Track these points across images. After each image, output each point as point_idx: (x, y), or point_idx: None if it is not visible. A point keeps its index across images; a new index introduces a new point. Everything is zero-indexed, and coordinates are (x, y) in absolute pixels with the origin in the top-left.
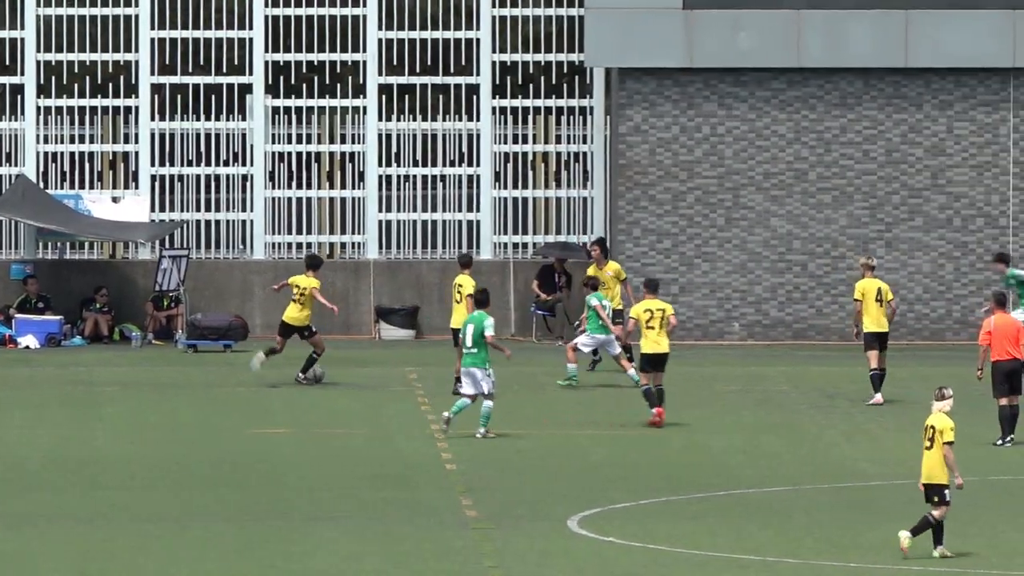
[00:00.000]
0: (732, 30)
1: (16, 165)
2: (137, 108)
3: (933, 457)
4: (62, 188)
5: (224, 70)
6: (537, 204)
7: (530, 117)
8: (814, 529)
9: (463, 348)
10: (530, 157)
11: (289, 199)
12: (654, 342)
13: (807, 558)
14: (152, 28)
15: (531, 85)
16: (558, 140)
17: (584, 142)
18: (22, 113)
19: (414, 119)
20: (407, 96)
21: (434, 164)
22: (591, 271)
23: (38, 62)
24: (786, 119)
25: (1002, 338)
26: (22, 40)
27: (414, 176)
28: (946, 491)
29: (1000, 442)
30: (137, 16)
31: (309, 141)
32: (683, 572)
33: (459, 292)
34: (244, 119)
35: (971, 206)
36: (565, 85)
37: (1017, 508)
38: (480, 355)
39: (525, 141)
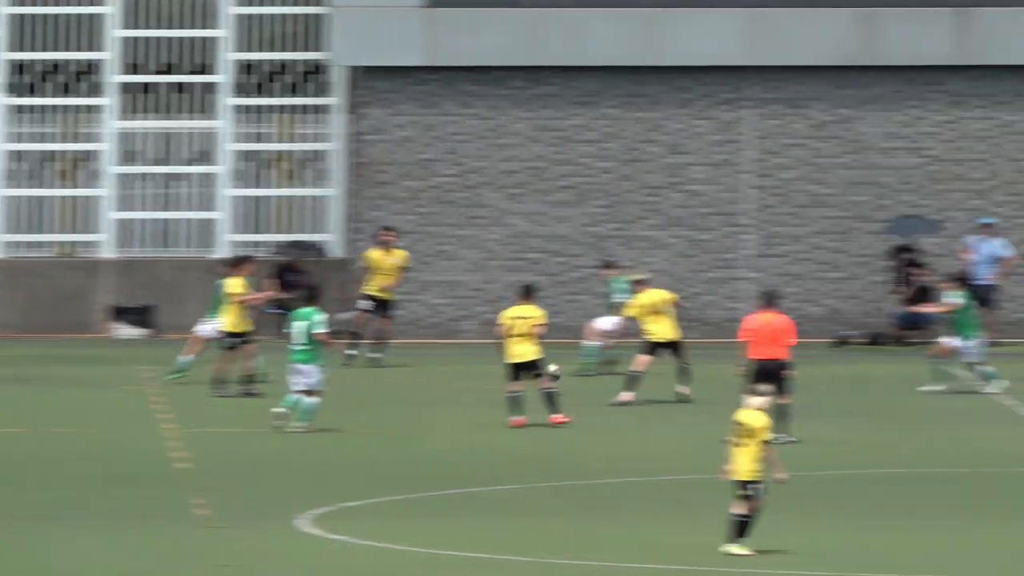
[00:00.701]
0: (473, 28)
1: None
2: None
3: (747, 453)
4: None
5: None
6: (276, 203)
7: (271, 115)
8: (547, 527)
9: (292, 344)
10: (269, 155)
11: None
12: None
13: (540, 556)
14: None
15: (272, 83)
16: (298, 139)
17: (324, 141)
18: None
19: (153, 117)
20: (147, 94)
21: (172, 162)
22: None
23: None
24: (525, 117)
25: (765, 336)
26: None
27: (152, 174)
28: (760, 486)
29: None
30: None
31: (52, 140)
32: (413, 571)
33: (228, 295)
34: None
35: (708, 204)
36: (306, 84)
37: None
38: (312, 352)
39: (265, 140)
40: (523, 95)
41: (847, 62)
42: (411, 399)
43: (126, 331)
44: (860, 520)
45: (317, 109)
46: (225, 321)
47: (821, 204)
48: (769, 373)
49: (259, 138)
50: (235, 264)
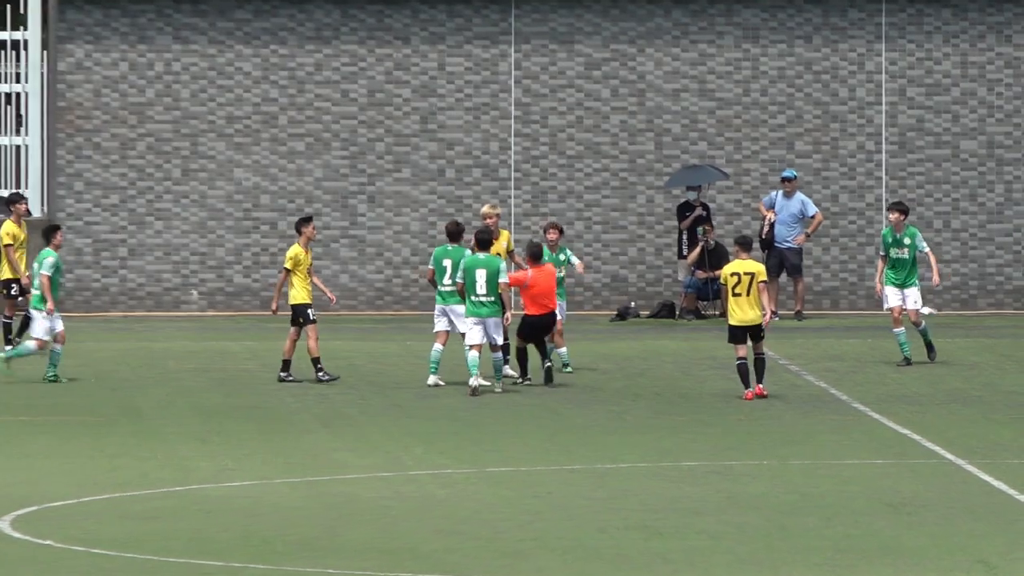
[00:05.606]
0: None
1: None
2: None
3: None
4: None
5: None
6: None
7: None
8: None
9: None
10: None
11: None
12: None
13: None
14: None
15: None
16: None
17: (18, 81)
18: None
19: None
20: None
21: None
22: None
23: None
24: (252, 54)
25: None
26: None
27: None
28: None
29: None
30: None
31: None
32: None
33: None
34: None
35: (467, 155)
36: None
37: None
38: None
39: None
40: (249, 29)
41: None
42: (125, 382)
43: None
44: None
45: (10, 45)
46: None
47: None
48: None
49: None
50: None
